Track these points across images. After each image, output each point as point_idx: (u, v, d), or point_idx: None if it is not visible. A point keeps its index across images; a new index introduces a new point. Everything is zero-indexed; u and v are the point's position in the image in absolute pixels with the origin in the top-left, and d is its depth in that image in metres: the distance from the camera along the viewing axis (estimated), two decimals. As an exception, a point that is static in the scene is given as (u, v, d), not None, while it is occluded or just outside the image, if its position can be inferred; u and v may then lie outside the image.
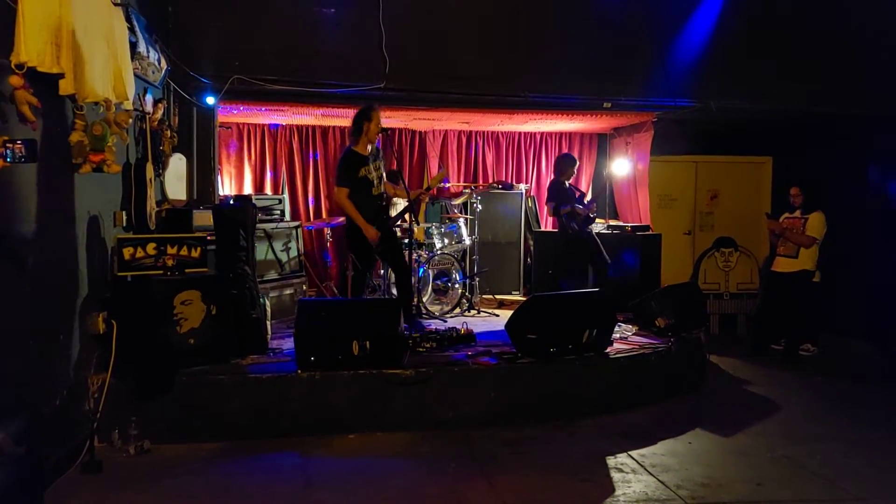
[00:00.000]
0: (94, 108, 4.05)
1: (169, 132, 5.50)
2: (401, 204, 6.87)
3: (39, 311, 3.60)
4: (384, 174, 5.90)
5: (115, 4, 4.13)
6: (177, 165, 5.67)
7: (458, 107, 7.18)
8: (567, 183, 7.18)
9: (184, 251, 4.66)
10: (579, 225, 6.96)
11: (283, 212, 7.61)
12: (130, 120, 4.35)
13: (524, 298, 7.32)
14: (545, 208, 7.96)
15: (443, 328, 5.77)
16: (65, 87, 3.49)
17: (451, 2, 6.50)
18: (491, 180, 8.96)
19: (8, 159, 2.99)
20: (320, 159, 8.59)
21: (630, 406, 5.19)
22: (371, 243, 5.64)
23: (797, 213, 6.96)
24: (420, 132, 8.87)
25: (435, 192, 8.33)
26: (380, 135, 5.76)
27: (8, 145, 2.99)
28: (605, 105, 7.09)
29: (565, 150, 9.35)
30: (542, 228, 8.86)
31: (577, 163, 7.39)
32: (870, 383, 6.21)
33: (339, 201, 5.74)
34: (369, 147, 5.71)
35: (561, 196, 7.04)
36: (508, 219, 8.62)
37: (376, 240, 5.60)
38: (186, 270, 4.65)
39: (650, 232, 7.81)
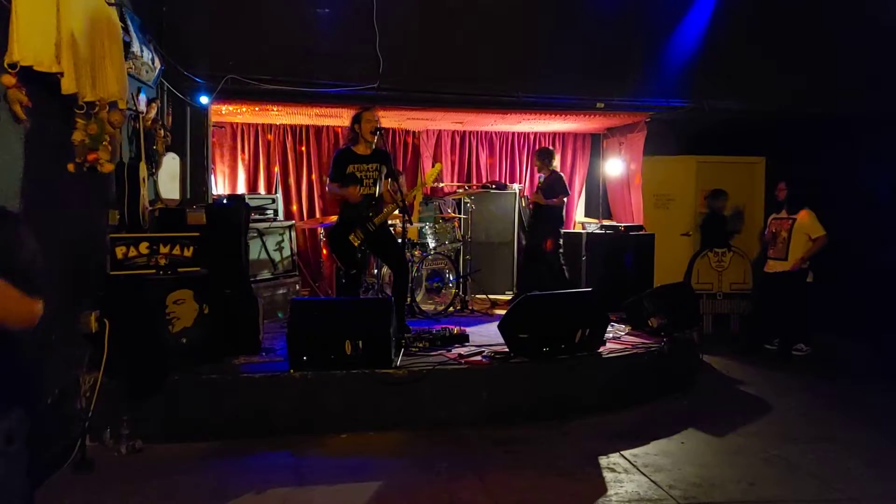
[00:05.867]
0: (91, 107, 4.04)
1: (162, 131, 5.49)
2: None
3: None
4: (380, 179, 5.67)
5: (109, 4, 4.12)
6: (170, 165, 5.66)
7: (452, 107, 7.18)
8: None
9: (176, 250, 4.65)
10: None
11: (276, 211, 7.61)
12: (124, 119, 4.35)
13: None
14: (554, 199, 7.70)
15: (436, 328, 5.78)
16: (67, 86, 3.49)
17: (444, 2, 6.51)
18: (484, 180, 8.96)
19: None
20: (314, 159, 8.57)
21: (623, 406, 5.20)
22: (352, 239, 5.57)
23: (783, 213, 6.97)
24: (414, 132, 8.87)
25: (429, 190, 8.33)
26: (376, 134, 5.54)
27: None
28: (598, 105, 7.10)
29: (559, 150, 9.32)
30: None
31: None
32: (863, 383, 6.22)
33: (329, 192, 5.86)
34: (372, 149, 5.59)
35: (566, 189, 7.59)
36: (502, 219, 8.62)
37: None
38: (179, 270, 4.65)
39: (643, 232, 7.82)
